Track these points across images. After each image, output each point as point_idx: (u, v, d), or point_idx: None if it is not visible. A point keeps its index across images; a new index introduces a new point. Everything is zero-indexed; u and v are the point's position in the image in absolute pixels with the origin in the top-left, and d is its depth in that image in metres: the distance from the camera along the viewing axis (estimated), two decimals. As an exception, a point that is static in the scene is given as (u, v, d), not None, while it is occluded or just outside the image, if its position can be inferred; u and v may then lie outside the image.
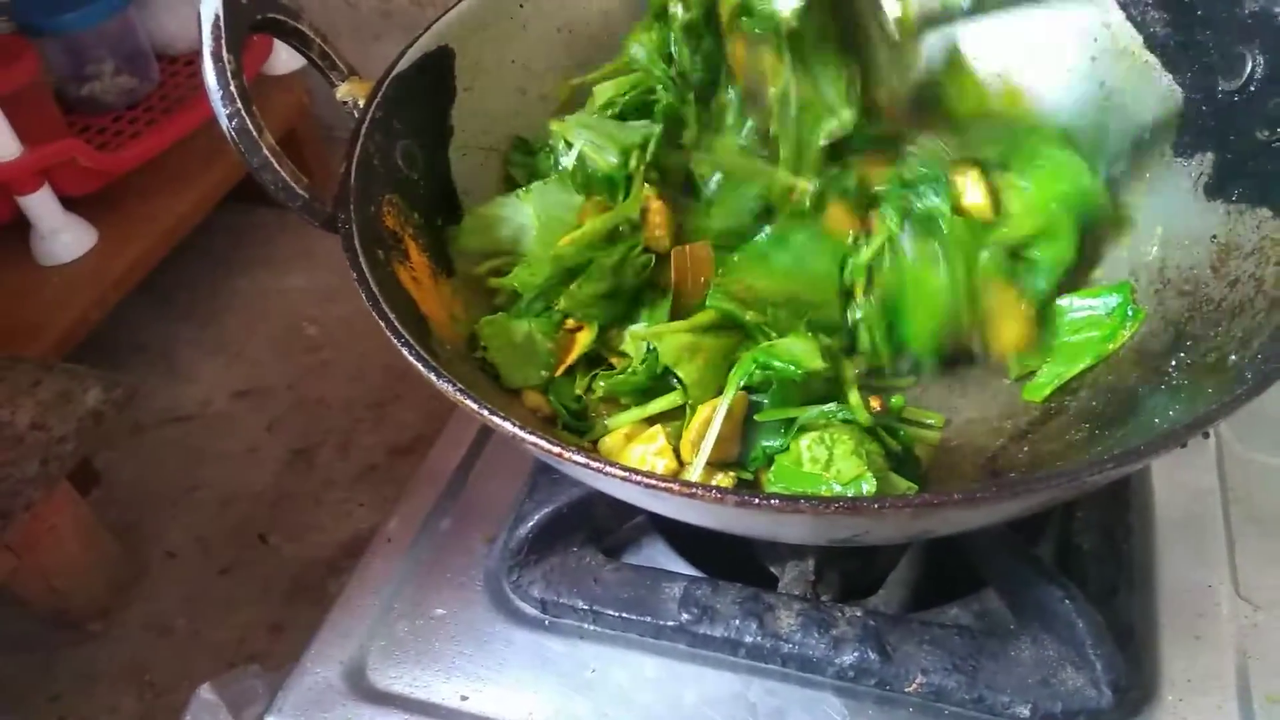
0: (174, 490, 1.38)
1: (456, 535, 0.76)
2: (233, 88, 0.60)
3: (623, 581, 0.68)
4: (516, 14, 0.82)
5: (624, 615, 0.67)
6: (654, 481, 0.45)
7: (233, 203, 1.63)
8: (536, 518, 0.69)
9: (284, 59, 1.67)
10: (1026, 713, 0.59)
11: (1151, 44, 0.74)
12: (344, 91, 0.72)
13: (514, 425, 0.50)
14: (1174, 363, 0.62)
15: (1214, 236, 0.67)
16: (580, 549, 0.71)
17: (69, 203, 1.39)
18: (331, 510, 1.35)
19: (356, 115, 0.70)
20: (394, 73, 0.72)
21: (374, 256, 0.62)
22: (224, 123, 0.60)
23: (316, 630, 0.70)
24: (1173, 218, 0.70)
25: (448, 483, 0.80)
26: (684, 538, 0.73)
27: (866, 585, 0.72)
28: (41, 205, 1.34)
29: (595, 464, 0.47)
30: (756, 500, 0.44)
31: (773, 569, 0.71)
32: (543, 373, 0.68)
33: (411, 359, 0.54)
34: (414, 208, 0.71)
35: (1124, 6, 0.76)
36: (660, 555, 0.73)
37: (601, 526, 0.72)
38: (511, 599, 0.71)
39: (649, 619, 0.66)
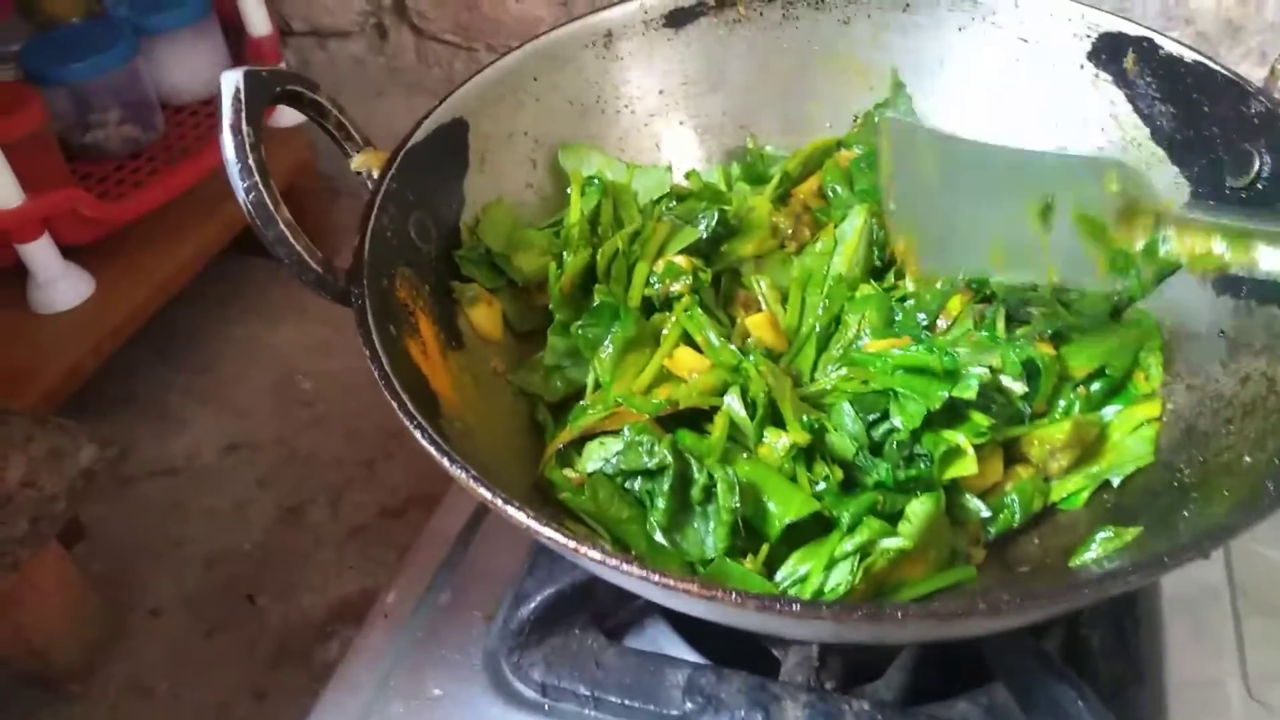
0: (160, 546, 1.35)
1: (455, 611, 0.75)
2: (251, 161, 0.60)
3: (625, 667, 0.67)
4: (530, 87, 0.82)
5: (626, 702, 0.66)
6: (673, 583, 0.44)
7: (230, 252, 1.63)
8: (538, 598, 0.68)
9: (287, 113, 1.68)
10: (1038, 815, 0.58)
11: (1158, 137, 0.76)
12: (359, 162, 0.72)
13: (527, 515, 0.49)
14: (1185, 459, 0.62)
15: (1223, 331, 0.67)
16: (582, 631, 0.69)
17: (68, 251, 1.38)
18: (321, 571, 1.32)
19: (370, 186, 0.70)
20: (409, 144, 0.73)
21: (386, 332, 0.61)
22: (240, 196, 0.60)
23: (311, 706, 0.68)
24: (1181, 311, 0.71)
25: (447, 555, 0.79)
26: (687, 620, 0.72)
27: (870, 671, 0.71)
28: (40, 253, 1.33)
29: (612, 561, 0.46)
30: (778, 605, 0.43)
31: (775, 652, 0.70)
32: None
33: (424, 442, 0.53)
34: (425, 280, 0.70)
35: (1131, 99, 0.77)
36: (663, 637, 0.72)
37: (604, 607, 0.71)
38: (511, 681, 0.69)
39: (652, 707, 0.65)
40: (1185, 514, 0.56)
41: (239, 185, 0.60)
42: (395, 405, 0.55)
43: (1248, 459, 0.56)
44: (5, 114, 1.28)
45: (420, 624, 0.75)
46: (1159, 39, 0.75)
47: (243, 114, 0.61)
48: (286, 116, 1.69)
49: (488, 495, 0.50)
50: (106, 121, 1.47)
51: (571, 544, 0.47)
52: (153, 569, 1.32)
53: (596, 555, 0.47)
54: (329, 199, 1.80)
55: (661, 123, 0.89)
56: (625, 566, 0.46)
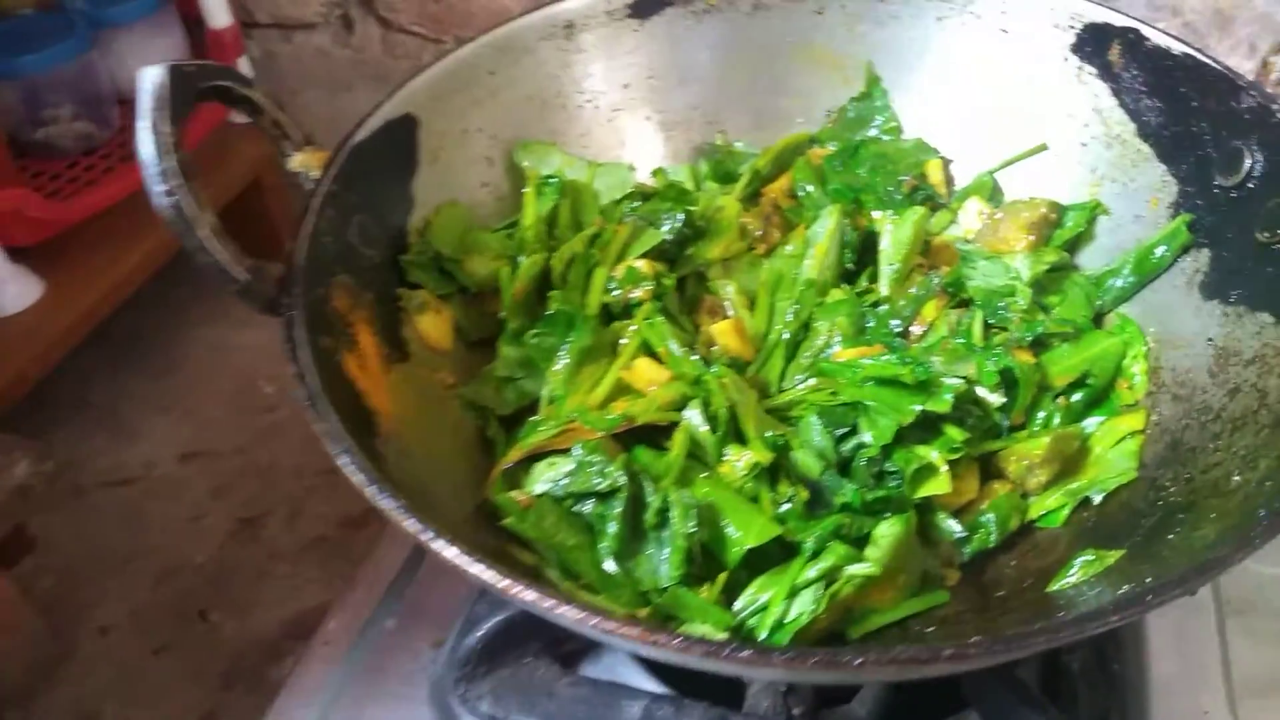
0: (112, 559, 1.30)
1: (401, 638, 0.71)
2: (173, 162, 0.56)
3: (579, 697, 0.63)
4: (485, 81, 0.78)
5: (580, 736, 0.62)
6: (614, 626, 0.40)
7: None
8: (488, 625, 0.64)
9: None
10: None
11: (1145, 133, 0.72)
12: (298, 162, 0.67)
13: (458, 551, 0.45)
14: (1171, 476, 0.59)
15: (1210, 339, 0.64)
16: (535, 659, 0.66)
17: (16, 252, 1.33)
18: (277, 585, 1.28)
19: (309, 187, 0.66)
20: (352, 142, 0.68)
21: (318, 346, 0.57)
22: (157, 200, 0.55)
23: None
24: (1167, 316, 0.67)
25: (394, 578, 0.74)
26: (648, 645, 0.68)
27: (841, 694, 0.67)
28: (-14, 255, 1.28)
29: (547, 602, 0.42)
30: (726, 651, 0.39)
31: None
32: None
33: (350, 471, 0.49)
34: (367, 288, 0.66)
35: (1116, 93, 0.73)
36: (621, 664, 0.68)
37: (559, 633, 0.67)
38: (458, 715, 0.65)
39: (607, 741, 0.61)
40: (1170, 537, 0.53)
41: (156, 189, 0.55)
42: (319, 429, 0.51)
43: (1237, 478, 0.53)
44: (-52, 109, 1.23)
45: (364, 652, 0.71)
46: (1145, 30, 0.71)
47: (165, 111, 0.56)
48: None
49: (415, 528, 0.46)
50: (59, 117, 1.42)
51: (503, 582, 0.43)
52: (103, 584, 1.27)
53: (530, 596, 0.43)
54: (292, 194, 1.75)
55: (626, 118, 0.85)
56: (560, 609, 0.42)
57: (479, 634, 0.64)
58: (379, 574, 0.74)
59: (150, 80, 0.56)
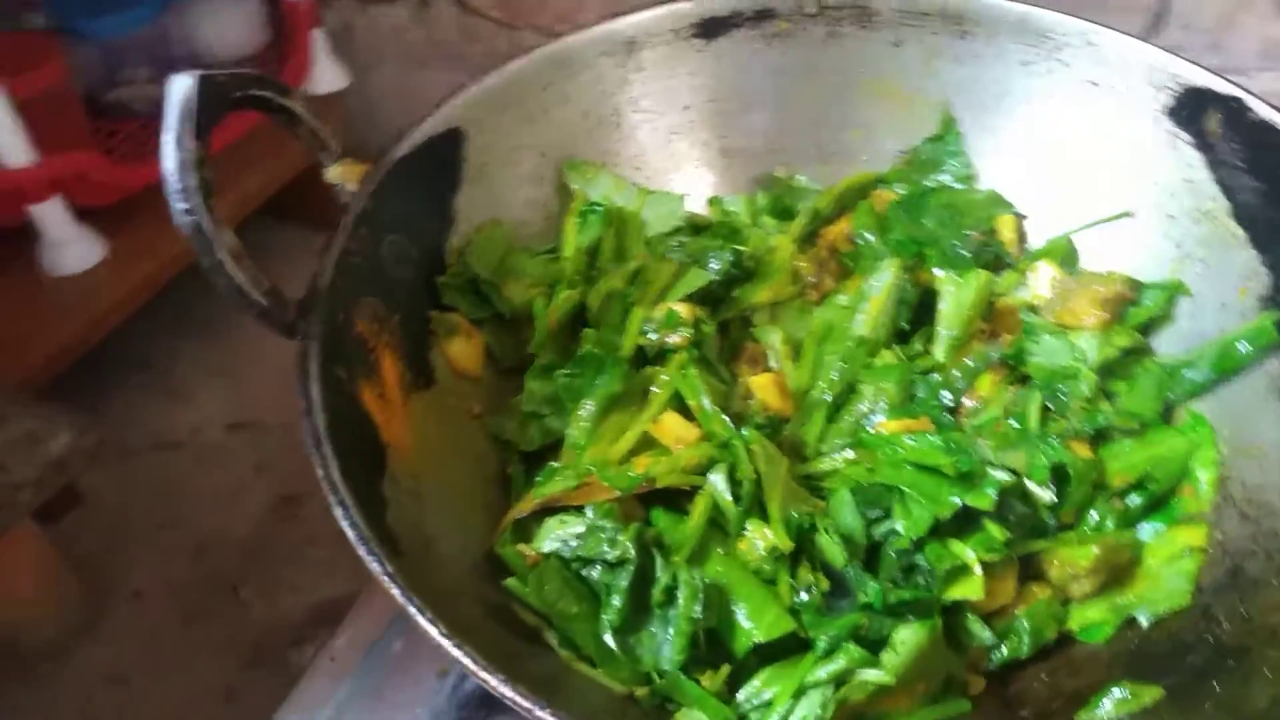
0: (152, 524, 1.32)
1: (407, 661, 0.69)
2: (195, 180, 0.54)
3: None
4: (538, 96, 0.75)
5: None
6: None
7: (260, 217, 1.58)
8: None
9: (328, 78, 1.62)
10: None
11: (1240, 213, 0.66)
12: (335, 174, 0.65)
13: (439, 631, 0.43)
14: (1226, 609, 0.54)
15: (1294, 457, 0.58)
16: (534, 711, 0.63)
17: (83, 214, 1.34)
18: (310, 568, 1.28)
19: (345, 201, 0.64)
20: (394, 156, 0.66)
21: (333, 376, 0.55)
22: (178, 217, 0.54)
23: None
24: (1243, 421, 0.62)
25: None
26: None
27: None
28: (51, 215, 1.29)
29: (524, 703, 0.40)
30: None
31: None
32: None
33: (343, 522, 0.47)
34: (395, 310, 0.64)
35: (1212, 165, 0.67)
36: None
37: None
38: (452, 755, 0.63)
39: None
40: (1216, 686, 0.48)
41: (177, 206, 0.53)
42: (320, 474, 0.49)
43: (1301, 629, 0.48)
44: (25, 67, 1.23)
45: (369, 673, 0.69)
46: (1251, 101, 0.65)
47: (191, 125, 0.54)
48: (326, 81, 1.63)
49: (400, 597, 0.44)
50: (135, 79, 1.42)
51: (483, 674, 0.41)
52: (142, 548, 1.29)
53: (508, 693, 0.40)
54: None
55: (683, 142, 0.81)
56: (538, 712, 0.39)
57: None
58: (388, 595, 0.73)
59: (179, 91, 0.54)
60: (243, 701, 1.14)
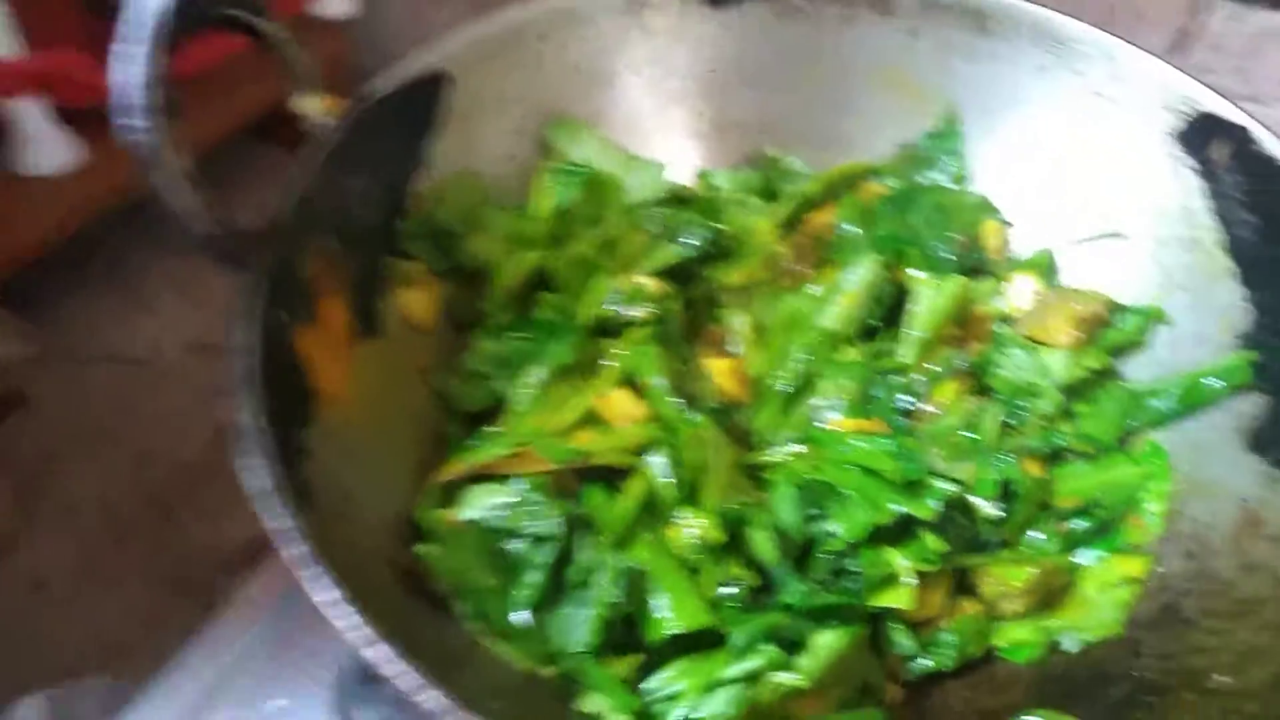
0: (94, 437, 1.30)
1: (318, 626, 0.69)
2: (160, 97, 0.52)
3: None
4: (534, 46, 0.73)
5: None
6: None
7: (245, 137, 1.55)
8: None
9: (336, 2, 1.58)
10: None
11: (1233, 247, 0.64)
12: (305, 106, 0.63)
13: (334, 597, 0.42)
14: (1154, 646, 0.53)
15: (1244, 499, 0.57)
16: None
17: (64, 113, 1.31)
18: (249, 500, 1.27)
19: (313, 137, 0.62)
20: (373, 93, 0.64)
21: (272, 318, 0.53)
22: (130, 133, 0.52)
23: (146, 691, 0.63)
24: (1202, 458, 0.60)
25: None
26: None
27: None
28: (30, 111, 1.27)
29: (419, 693, 0.39)
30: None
31: None
32: None
33: (250, 472, 0.46)
34: (350, 253, 0.62)
35: (1213, 195, 0.65)
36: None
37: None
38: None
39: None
40: (1128, 725, 0.47)
41: (134, 122, 0.52)
42: (237, 416, 0.48)
43: (1220, 678, 0.47)
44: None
45: (280, 619, 0.69)
46: (1258, 132, 0.63)
47: (164, 41, 0.53)
48: (334, 4, 1.60)
49: (293, 556, 0.43)
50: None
51: (371, 650, 0.40)
52: (80, 461, 1.27)
53: (394, 672, 0.39)
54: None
55: (677, 110, 0.79)
56: (425, 693, 0.38)
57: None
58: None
59: (155, 2, 0.53)
60: (163, 629, 1.13)
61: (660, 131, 0.79)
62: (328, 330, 0.58)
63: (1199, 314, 0.65)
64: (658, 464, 0.57)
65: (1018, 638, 0.57)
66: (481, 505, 0.54)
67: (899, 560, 0.54)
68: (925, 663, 0.56)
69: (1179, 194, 0.67)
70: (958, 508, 0.57)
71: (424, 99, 0.68)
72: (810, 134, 0.80)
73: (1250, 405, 0.60)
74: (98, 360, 1.39)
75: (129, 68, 0.52)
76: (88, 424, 1.31)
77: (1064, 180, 0.72)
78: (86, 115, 1.33)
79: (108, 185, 1.33)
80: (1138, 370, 0.67)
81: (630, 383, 0.62)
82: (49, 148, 1.30)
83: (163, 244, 1.52)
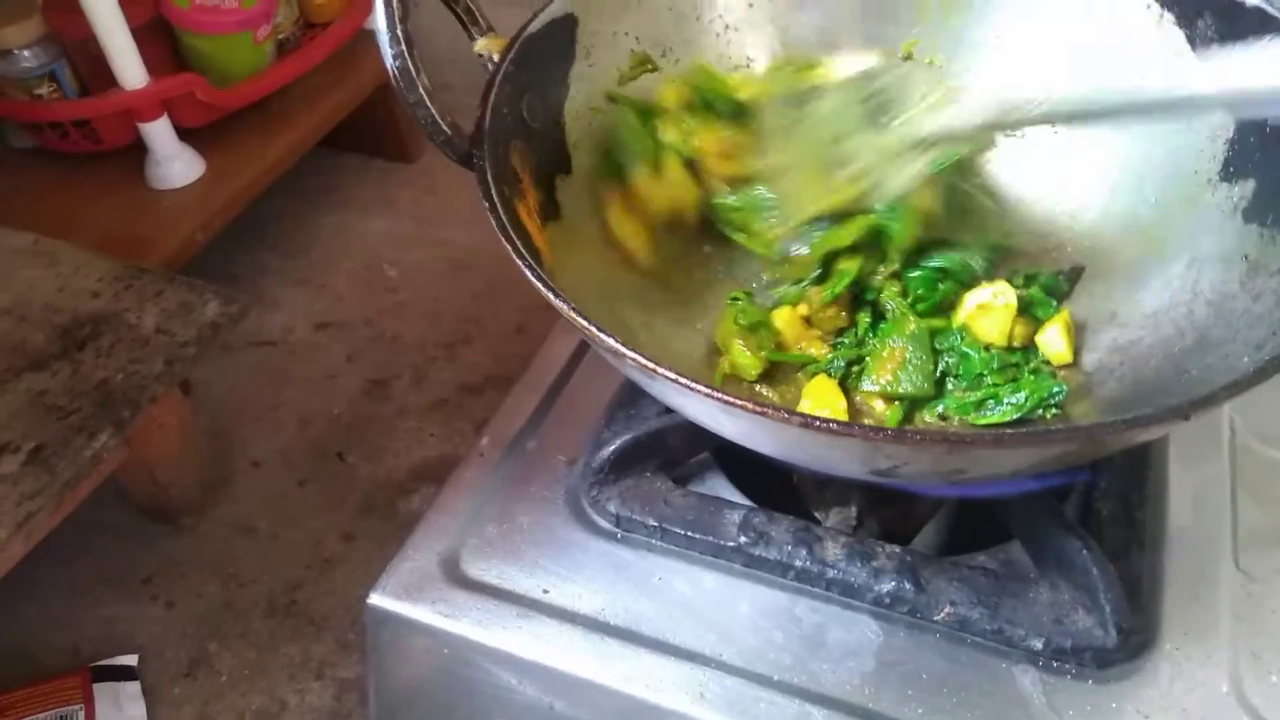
0: (258, 408, 1.49)
1: (541, 455, 0.84)
2: (399, 31, 0.69)
3: (689, 506, 0.77)
4: (633, -10, 0.90)
5: (689, 534, 0.75)
6: (730, 399, 0.53)
7: (323, 148, 1.73)
8: (616, 444, 0.78)
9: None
10: (1039, 645, 0.67)
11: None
12: (481, 45, 0.80)
13: (611, 339, 0.57)
14: (1194, 362, 0.69)
15: (1246, 255, 0.73)
16: (653, 474, 0.79)
17: (183, 133, 1.49)
18: (404, 437, 1.45)
19: (490, 68, 0.79)
20: (526, 33, 0.81)
21: (502, 193, 0.70)
22: (388, 62, 0.69)
23: (416, 525, 0.79)
24: (1211, 236, 0.76)
25: (534, 411, 0.88)
26: (744, 476, 0.82)
27: (903, 534, 0.79)
28: (159, 133, 1.45)
29: (672, 377, 0.55)
30: (817, 423, 0.52)
31: (818, 514, 0.79)
32: None
33: (530, 277, 0.63)
34: (533, 154, 0.79)
35: (1171, 7, 0.78)
36: (721, 488, 0.81)
37: (672, 457, 0.80)
38: (589, 513, 0.79)
39: (711, 539, 0.74)
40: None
41: (388, 53, 0.69)
42: (508, 248, 0.64)
43: (1245, 359, 0.63)
44: (134, -1, 1.38)
45: (510, 465, 0.83)
46: None
47: (396, -9, 0.70)
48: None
49: (581, 320, 0.59)
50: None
51: (640, 359, 0.56)
52: (252, 427, 1.46)
53: (668, 375, 0.55)
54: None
55: (751, 34, 0.96)
56: (690, 384, 0.54)
57: (609, 450, 0.78)
58: (519, 408, 0.88)
59: (384, -30, 0.70)
60: (362, 541, 1.31)
61: (739, 56, 0.95)
62: (530, 208, 0.75)
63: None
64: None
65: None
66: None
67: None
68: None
69: (1151, 18, 0.80)
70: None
71: (561, 36, 0.85)
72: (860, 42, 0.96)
73: (1244, 191, 0.75)
74: (241, 347, 1.56)
75: (376, 13, 0.69)
76: (251, 397, 1.49)
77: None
78: (200, 134, 1.50)
79: (224, 196, 1.51)
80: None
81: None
82: (177, 165, 1.48)
83: (269, 249, 1.70)
